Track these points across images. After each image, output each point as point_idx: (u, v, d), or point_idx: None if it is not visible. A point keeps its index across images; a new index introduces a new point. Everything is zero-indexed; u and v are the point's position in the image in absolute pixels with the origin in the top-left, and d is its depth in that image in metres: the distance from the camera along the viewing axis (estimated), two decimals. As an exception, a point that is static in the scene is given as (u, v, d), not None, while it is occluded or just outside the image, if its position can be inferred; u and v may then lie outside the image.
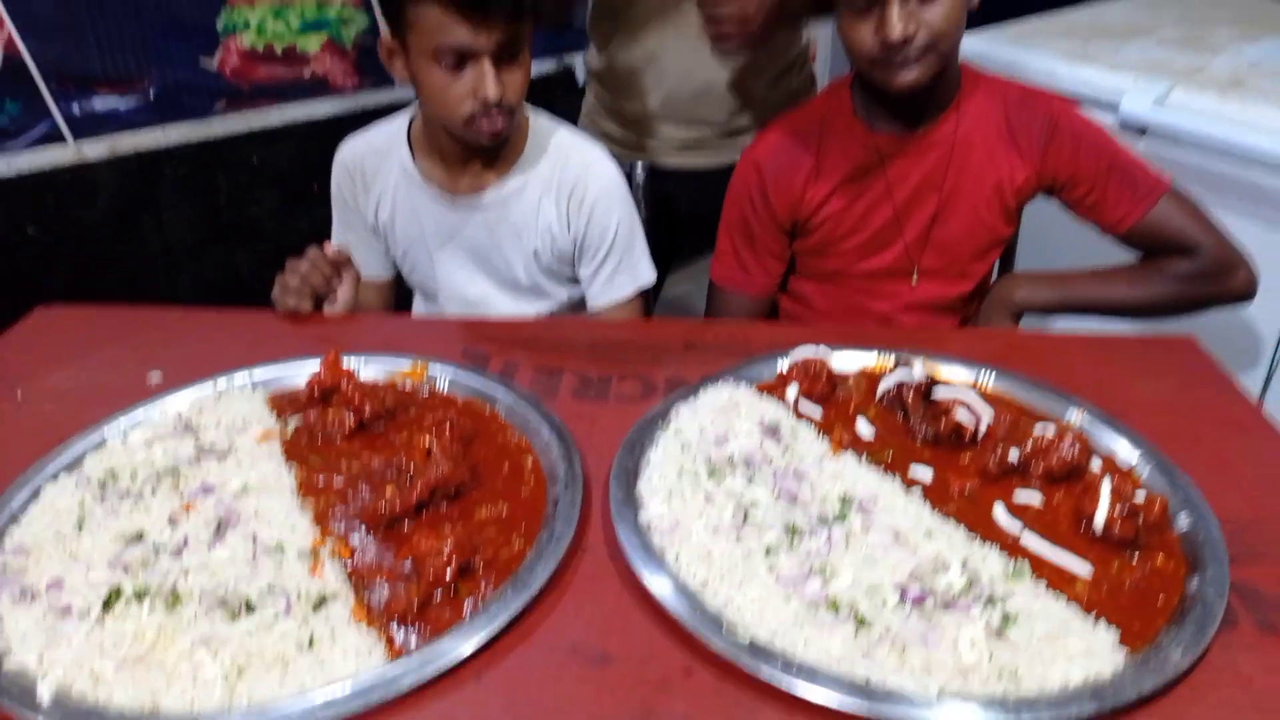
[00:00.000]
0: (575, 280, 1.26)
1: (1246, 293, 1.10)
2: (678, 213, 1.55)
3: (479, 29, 0.99)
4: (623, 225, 1.19)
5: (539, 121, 1.21)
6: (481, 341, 1.03)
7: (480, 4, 0.98)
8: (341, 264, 1.11)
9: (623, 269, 1.22)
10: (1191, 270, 1.09)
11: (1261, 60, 1.44)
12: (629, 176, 1.41)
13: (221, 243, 2.01)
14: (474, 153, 1.16)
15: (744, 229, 1.24)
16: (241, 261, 2.05)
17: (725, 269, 1.28)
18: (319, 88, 2.02)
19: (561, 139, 1.21)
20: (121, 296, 1.89)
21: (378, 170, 1.22)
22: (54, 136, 1.72)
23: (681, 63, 1.39)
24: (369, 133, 1.23)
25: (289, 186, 2.05)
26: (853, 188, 1.17)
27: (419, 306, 1.36)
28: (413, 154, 1.19)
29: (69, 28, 1.67)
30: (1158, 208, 1.09)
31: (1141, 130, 1.38)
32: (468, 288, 1.26)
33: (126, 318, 1.12)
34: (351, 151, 1.23)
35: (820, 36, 2.51)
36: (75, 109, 1.73)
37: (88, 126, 1.75)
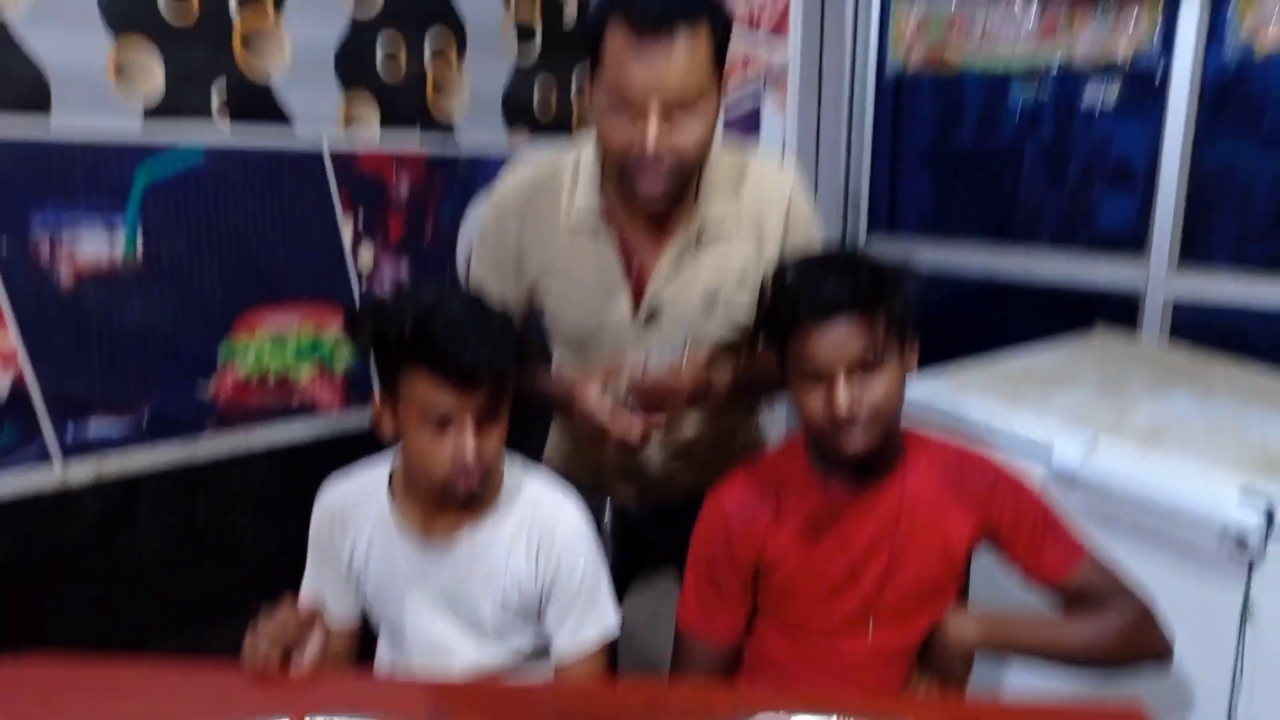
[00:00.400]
0: (541, 619, 1.29)
1: (1166, 652, 1.20)
2: (643, 544, 1.61)
3: (463, 396, 1.10)
4: (589, 573, 1.25)
5: (513, 468, 1.29)
6: (446, 704, 1.04)
7: (466, 375, 1.09)
8: (312, 620, 1.14)
9: (588, 617, 1.25)
10: (1120, 625, 1.19)
11: (1173, 415, 1.58)
12: (597, 515, 1.48)
13: (195, 562, 2.02)
14: (450, 501, 1.22)
15: (709, 575, 1.30)
16: (213, 581, 2.04)
17: (691, 616, 1.32)
18: (307, 412, 2.13)
19: (533, 486, 1.29)
20: (90, 619, 1.87)
21: (356, 515, 1.28)
22: (42, 459, 1.78)
23: None
24: (351, 477, 1.31)
25: (267, 507, 2.10)
26: (810, 539, 1.25)
27: (384, 647, 1.36)
28: (392, 498, 1.26)
29: (79, 361, 1.79)
30: (1086, 565, 1.21)
31: (1073, 482, 1.48)
32: (434, 630, 1.27)
33: (91, 675, 1.12)
34: (333, 496, 1.30)
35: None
36: (69, 432, 1.81)
37: (78, 449, 1.82)
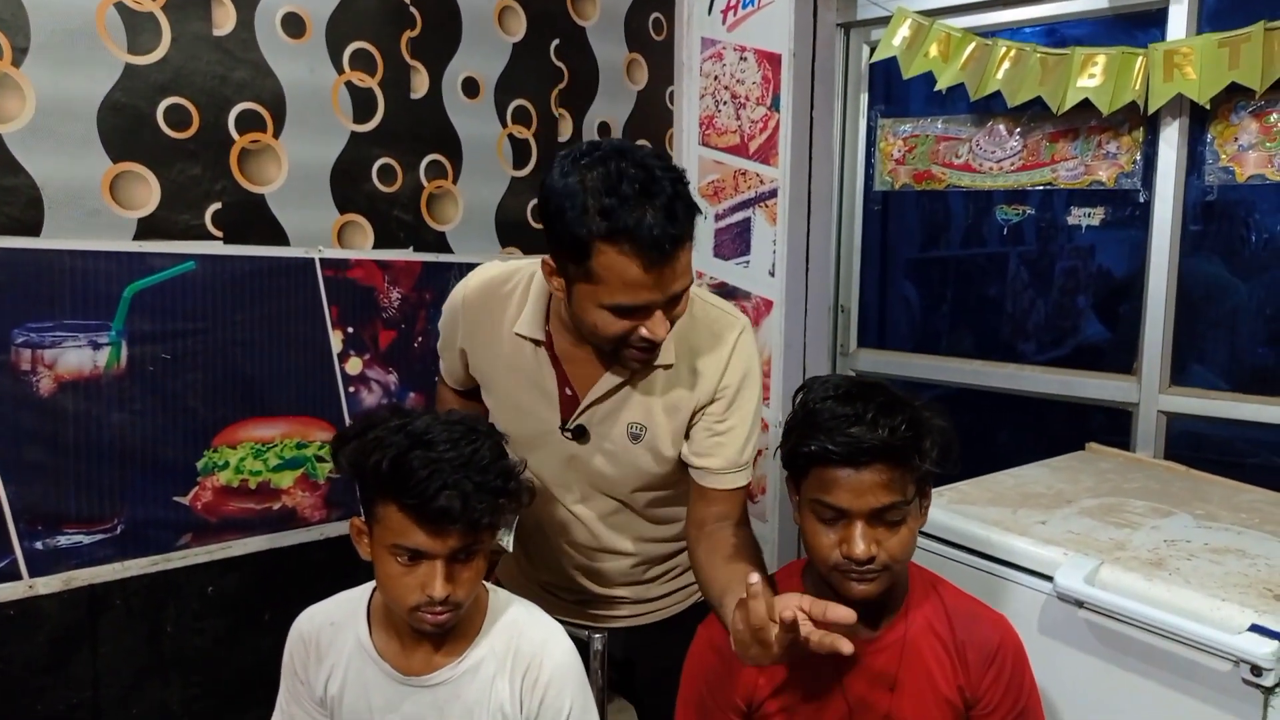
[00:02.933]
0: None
1: None
2: (633, 667, 1.55)
3: (435, 537, 1.07)
4: (575, 710, 1.18)
5: (497, 597, 1.24)
6: None
7: (439, 519, 1.06)
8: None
9: (573, 756, 1.18)
10: None
11: (1175, 538, 1.55)
12: (585, 646, 1.42)
13: (157, 676, 1.93)
14: (428, 632, 1.17)
15: (700, 711, 1.24)
16: (174, 699, 1.95)
17: (684, 752, 1.25)
18: (286, 519, 2.07)
19: (518, 615, 1.24)
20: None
21: (332, 642, 1.22)
22: (9, 573, 1.71)
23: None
24: (329, 604, 1.26)
25: (239, 614, 2.02)
26: (804, 681, 1.19)
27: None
28: (369, 629, 1.21)
29: (52, 473, 1.74)
30: None
31: (1079, 603, 1.44)
32: (412, 766, 1.20)
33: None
34: (309, 623, 1.25)
35: (772, 473, 2.67)
36: (38, 546, 1.74)
37: (47, 562, 1.75)
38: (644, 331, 1.21)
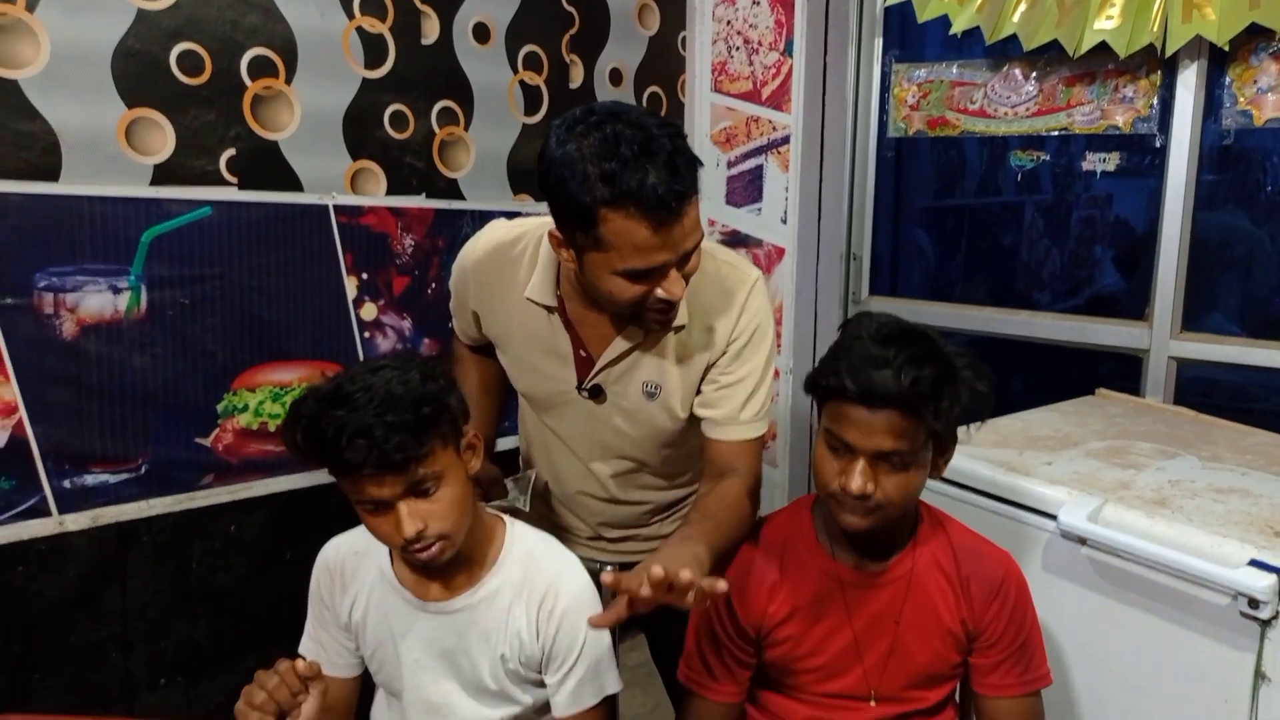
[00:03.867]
0: (542, 685, 1.26)
1: None
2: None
3: (378, 485, 1.08)
4: (591, 639, 1.22)
5: (514, 529, 1.28)
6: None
7: (353, 471, 1.07)
8: (310, 680, 1.11)
9: (589, 680, 1.23)
10: None
11: (1179, 478, 1.57)
12: (597, 577, 1.46)
13: (183, 611, 1.99)
14: (431, 565, 1.19)
15: (710, 635, 1.28)
16: (201, 633, 2.01)
17: (693, 673, 1.30)
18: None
19: (534, 546, 1.27)
20: (72, 670, 1.84)
21: (356, 571, 1.27)
22: (40, 510, 1.77)
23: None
24: (353, 534, 1.30)
25: (261, 553, 2.08)
26: (812, 610, 1.23)
27: (380, 707, 1.34)
28: (392, 559, 1.25)
29: (77, 414, 1.78)
30: (1029, 699, 1.24)
31: (1081, 540, 1.47)
32: (432, 689, 1.26)
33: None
34: (335, 552, 1.29)
35: (782, 418, 2.70)
36: (66, 484, 1.79)
37: (75, 499, 1.81)
38: (660, 293, 1.20)
